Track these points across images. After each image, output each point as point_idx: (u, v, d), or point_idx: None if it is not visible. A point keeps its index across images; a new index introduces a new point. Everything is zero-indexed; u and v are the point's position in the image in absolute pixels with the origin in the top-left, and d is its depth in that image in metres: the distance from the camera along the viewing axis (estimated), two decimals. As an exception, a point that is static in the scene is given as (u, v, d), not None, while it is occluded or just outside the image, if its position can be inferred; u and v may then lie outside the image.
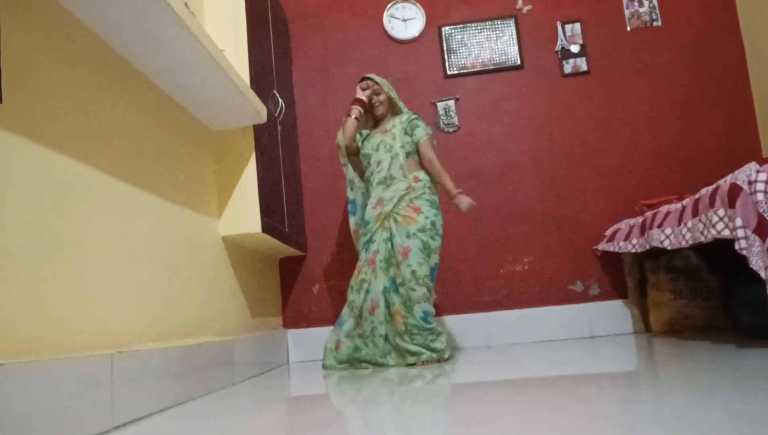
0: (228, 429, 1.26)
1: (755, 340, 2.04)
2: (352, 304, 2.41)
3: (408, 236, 2.34)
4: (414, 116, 2.54)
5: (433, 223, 2.38)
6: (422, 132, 2.49)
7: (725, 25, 3.14)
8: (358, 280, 2.41)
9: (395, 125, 2.52)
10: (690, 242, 1.99)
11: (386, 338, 2.35)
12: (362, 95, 2.55)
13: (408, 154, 2.47)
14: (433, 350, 2.28)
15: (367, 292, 2.38)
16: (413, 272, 2.31)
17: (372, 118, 2.67)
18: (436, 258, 2.40)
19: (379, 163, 2.47)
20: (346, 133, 2.55)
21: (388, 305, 2.35)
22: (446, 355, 2.31)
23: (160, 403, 1.55)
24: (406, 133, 2.50)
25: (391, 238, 2.37)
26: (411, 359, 2.28)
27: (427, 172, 2.49)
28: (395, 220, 2.38)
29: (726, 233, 1.74)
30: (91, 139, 1.41)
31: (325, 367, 2.43)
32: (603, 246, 2.87)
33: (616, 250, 2.72)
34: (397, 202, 2.39)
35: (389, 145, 2.47)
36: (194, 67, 1.74)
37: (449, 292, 3.02)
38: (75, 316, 1.27)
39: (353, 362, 2.39)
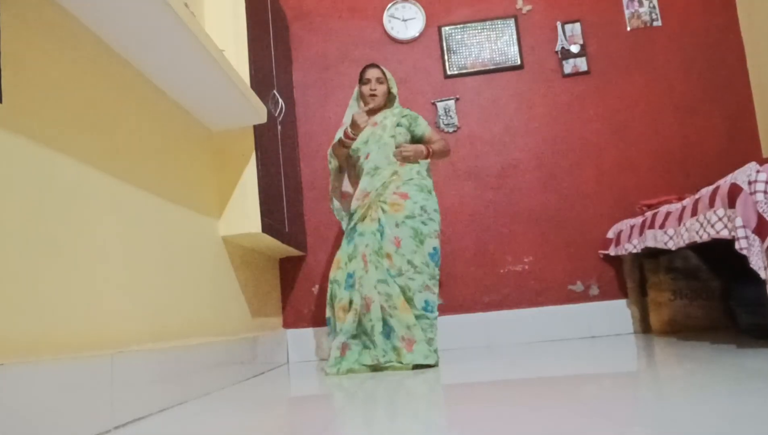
0: (228, 429, 1.26)
1: (755, 340, 2.04)
2: (348, 304, 2.28)
3: (397, 225, 2.27)
4: (409, 111, 2.53)
5: (422, 208, 2.31)
6: (425, 124, 2.54)
7: (725, 25, 3.14)
8: (355, 277, 2.29)
9: (386, 117, 2.49)
10: (687, 242, 1.99)
11: (387, 335, 2.23)
12: (363, 122, 2.38)
13: (398, 145, 2.41)
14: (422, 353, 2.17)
15: (361, 287, 2.27)
16: (409, 262, 2.24)
17: (365, 104, 2.56)
18: (434, 242, 2.30)
19: (368, 155, 2.43)
20: (340, 159, 2.55)
21: (383, 300, 2.24)
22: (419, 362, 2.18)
23: (160, 403, 1.54)
24: (399, 125, 2.45)
25: (381, 230, 2.29)
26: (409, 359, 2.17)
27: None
28: (383, 211, 2.31)
29: (725, 233, 1.74)
30: (91, 139, 1.41)
31: (328, 374, 2.23)
32: (613, 251, 2.85)
33: (623, 253, 2.72)
34: (382, 188, 2.33)
35: (379, 135, 2.43)
36: (194, 67, 1.74)
37: (449, 292, 3.02)
38: (75, 316, 1.27)
39: (360, 367, 2.23)
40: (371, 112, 2.55)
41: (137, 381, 1.43)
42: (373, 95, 2.50)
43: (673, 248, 2.16)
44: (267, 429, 1.27)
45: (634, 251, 2.56)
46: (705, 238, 1.84)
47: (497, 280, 3.03)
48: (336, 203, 2.63)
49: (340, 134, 2.52)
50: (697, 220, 1.92)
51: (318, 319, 3.05)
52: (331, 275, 2.38)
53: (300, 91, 3.24)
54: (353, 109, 2.59)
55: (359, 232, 2.34)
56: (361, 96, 2.56)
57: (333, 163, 2.59)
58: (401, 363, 2.19)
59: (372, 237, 2.30)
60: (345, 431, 1.13)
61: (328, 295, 2.38)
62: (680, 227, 2.08)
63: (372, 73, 2.53)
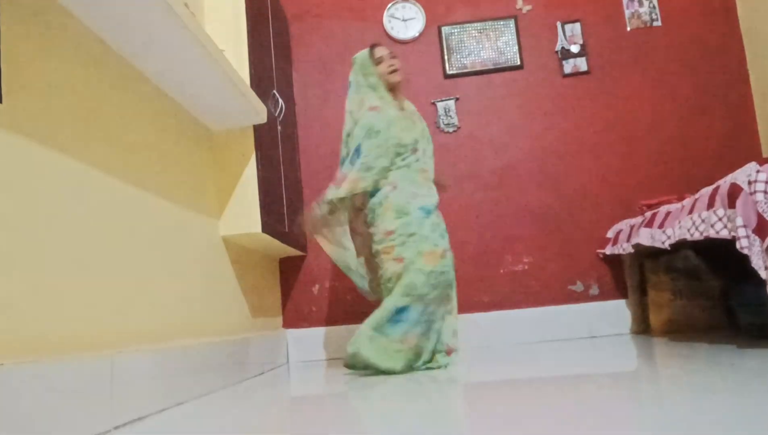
0: (228, 429, 1.26)
1: (755, 340, 2.04)
2: (422, 296, 2.08)
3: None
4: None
5: None
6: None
7: (725, 25, 3.14)
8: (439, 265, 2.11)
9: (414, 111, 2.41)
10: (678, 238, 1.99)
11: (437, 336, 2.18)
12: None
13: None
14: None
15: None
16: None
17: (386, 87, 2.34)
18: None
19: (424, 152, 2.31)
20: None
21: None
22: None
23: (160, 403, 1.54)
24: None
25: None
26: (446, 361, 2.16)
27: None
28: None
29: (725, 234, 1.74)
30: (91, 140, 1.41)
31: (397, 371, 2.05)
32: (609, 250, 2.86)
33: (620, 252, 2.72)
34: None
35: (421, 128, 2.34)
36: (194, 67, 1.74)
37: (449, 292, 3.02)
38: (75, 316, 1.27)
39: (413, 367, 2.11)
40: (392, 90, 2.35)
41: (137, 381, 1.43)
42: (396, 70, 2.32)
43: (666, 246, 2.16)
44: (267, 429, 1.27)
45: (630, 251, 2.56)
46: (698, 236, 1.85)
47: (497, 280, 3.03)
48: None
49: (340, 193, 2.22)
50: (691, 218, 1.92)
51: (318, 319, 3.05)
52: (441, 267, 2.12)
53: (300, 91, 3.24)
54: (372, 102, 2.27)
55: (443, 229, 2.23)
56: (381, 77, 2.31)
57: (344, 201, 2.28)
58: (437, 363, 2.14)
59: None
60: (345, 432, 1.13)
61: (431, 283, 2.09)
62: (677, 226, 2.09)
63: (381, 51, 2.35)
